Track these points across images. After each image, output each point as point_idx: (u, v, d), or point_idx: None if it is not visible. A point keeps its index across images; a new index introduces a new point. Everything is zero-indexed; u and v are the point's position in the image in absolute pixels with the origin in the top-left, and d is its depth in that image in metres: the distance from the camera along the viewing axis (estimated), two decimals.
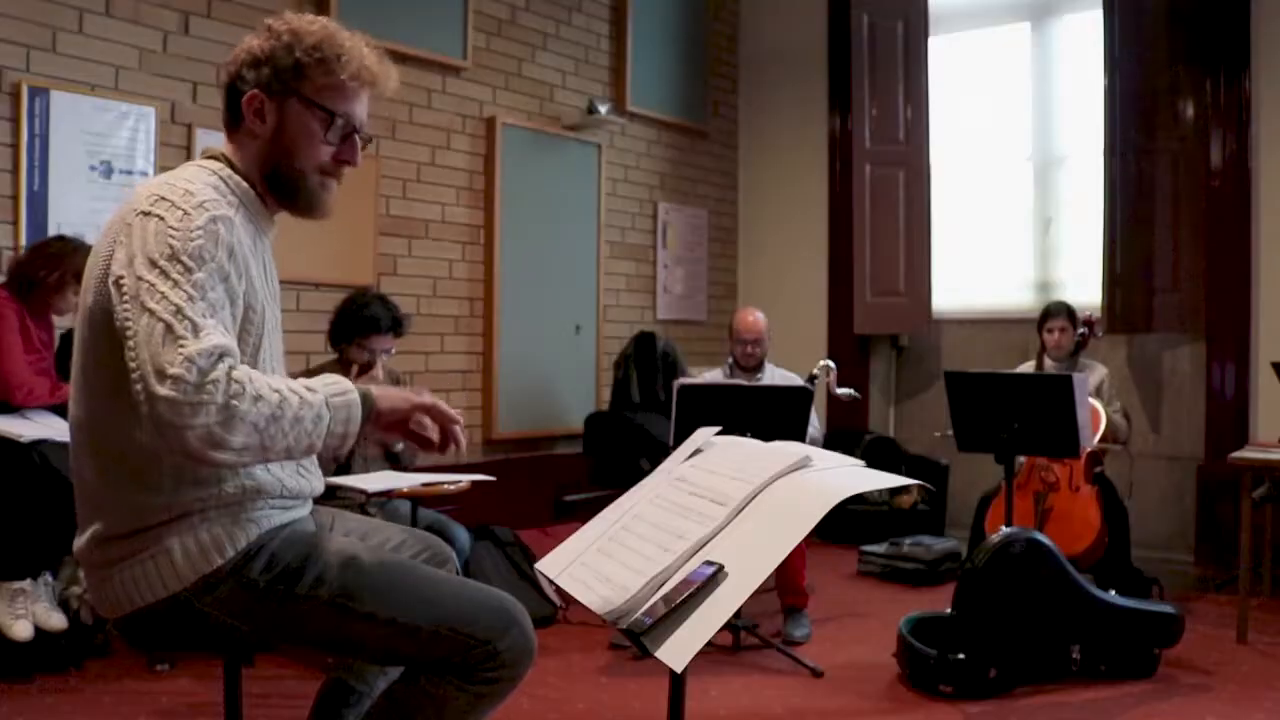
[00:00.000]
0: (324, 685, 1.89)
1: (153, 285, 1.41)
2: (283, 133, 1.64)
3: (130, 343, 1.40)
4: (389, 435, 1.64)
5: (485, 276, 5.32)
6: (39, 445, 3.14)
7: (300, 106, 1.63)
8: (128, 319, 1.41)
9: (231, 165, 1.66)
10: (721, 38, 6.81)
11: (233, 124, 1.68)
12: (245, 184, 1.66)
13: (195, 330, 1.39)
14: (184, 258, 1.43)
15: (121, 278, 1.44)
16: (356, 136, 1.69)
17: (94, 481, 1.56)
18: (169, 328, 1.38)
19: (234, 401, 1.37)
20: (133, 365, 1.39)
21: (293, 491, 1.66)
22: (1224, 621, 3.97)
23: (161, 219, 1.46)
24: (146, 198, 1.50)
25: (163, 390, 1.35)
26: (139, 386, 1.37)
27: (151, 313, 1.39)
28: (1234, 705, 3.14)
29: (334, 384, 1.52)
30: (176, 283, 1.41)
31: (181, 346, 1.36)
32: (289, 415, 1.43)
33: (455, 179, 5.20)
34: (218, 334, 1.41)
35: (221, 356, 1.39)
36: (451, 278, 5.20)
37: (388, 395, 1.57)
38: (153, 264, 1.42)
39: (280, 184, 1.67)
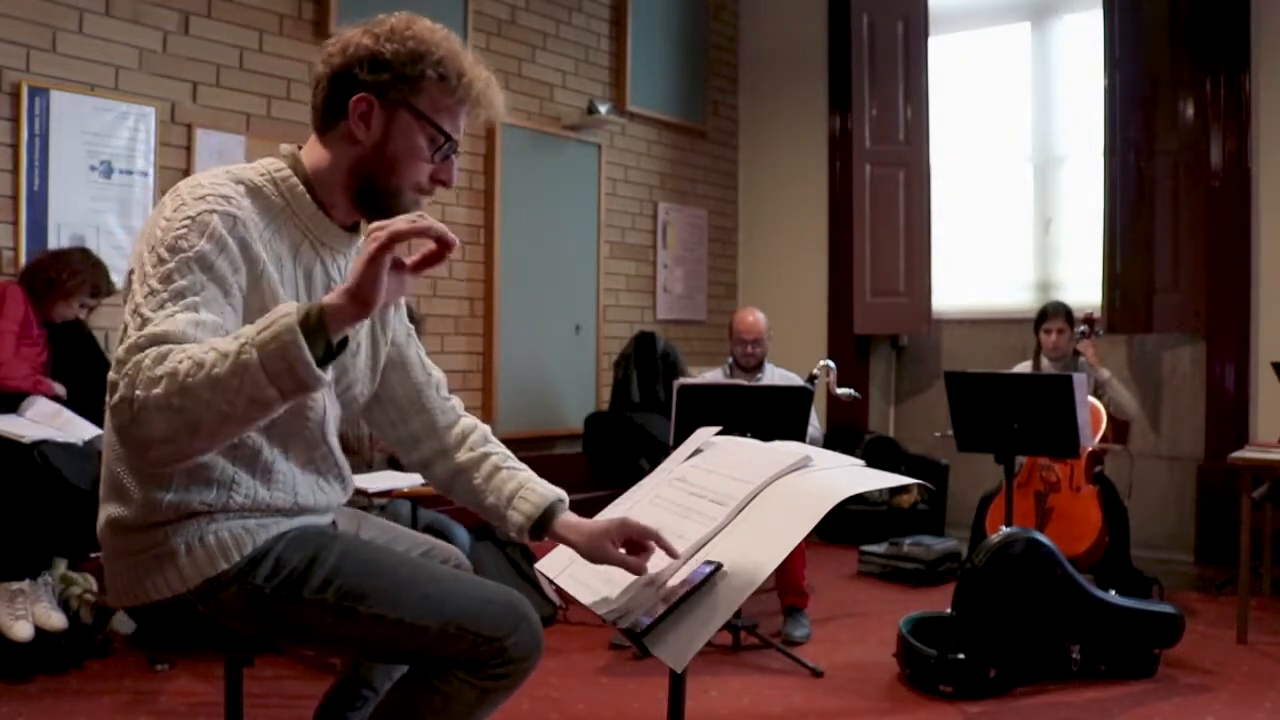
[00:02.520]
0: (330, 689, 1.88)
1: (138, 281, 1.40)
2: (388, 144, 1.54)
3: None
4: (377, 299, 1.30)
5: (485, 276, 5.32)
6: (40, 446, 3.14)
7: (411, 119, 1.54)
8: None
9: (296, 167, 1.58)
10: (721, 38, 6.81)
11: (325, 122, 1.57)
12: (301, 189, 1.56)
13: (141, 325, 1.32)
14: (161, 248, 1.39)
15: (132, 270, 1.45)
16: (454, 156, 1.63)
17: (115, 465, 1.54)
18: (125, 329, 1.34)
19: (137, 392, 1.25)
20: None
21: (305, 507, 1.63)
22: (1224, 621, 3.97)
23: (164, 207, 1.46)
24: (173, 188, 1.48)
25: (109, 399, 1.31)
26: None
27: (127, 312, 1.38)
28: (1234, 705, 3.14)
29: (266, 319, 1.27)
30: (146, 276, 1.38)
31: (122, 346, 1.31)
32: (201, 378, 1.23)
33: (455, 179, 5.19)
34: (161, 323, 1.31)
35: (146, 346, 1.28)
36: (451, 278, 5.20)
37: (345, 283, 1.31)
38: (142, 255, 1.42)
39: (372, 197, 1.57)
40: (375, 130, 1.54)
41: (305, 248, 1.58)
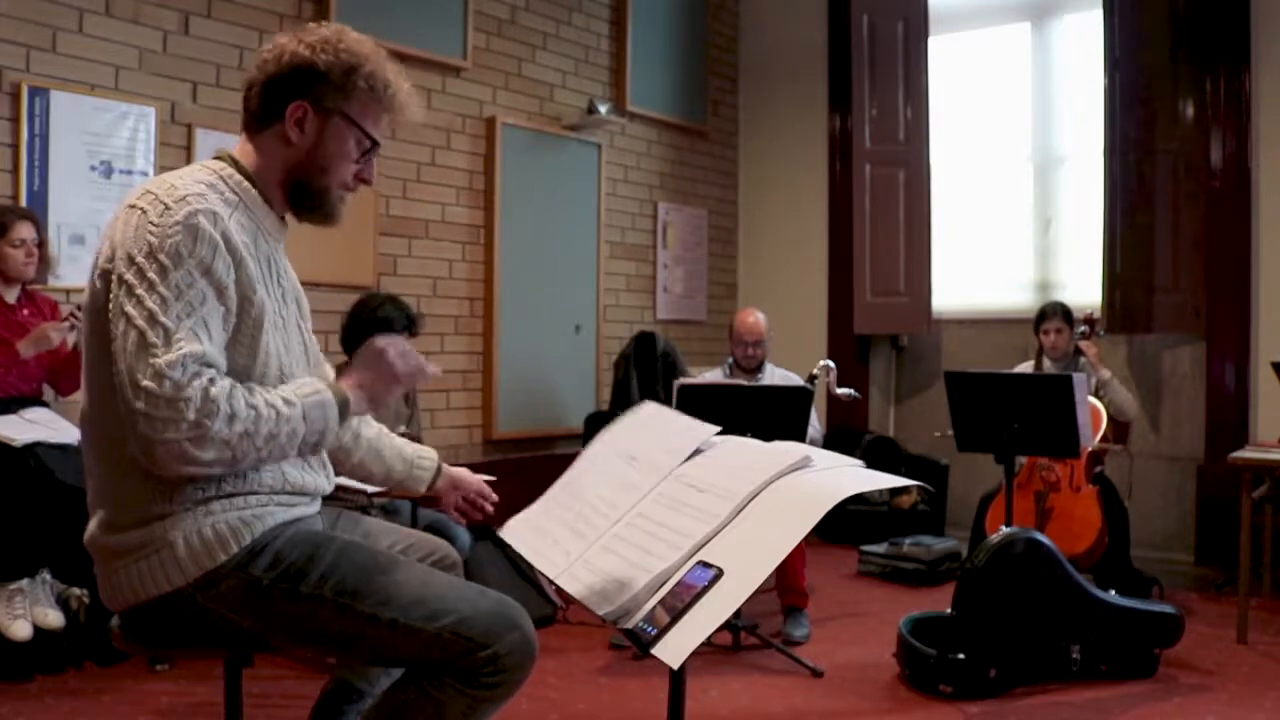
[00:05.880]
0: (328, 684, 1.89)
1: (131, 287, 1.44)
2: (320, 147, 1.66)
3: (114, 348, 1.45)
4: (385, 401, 1.69)
5: (485, 276, 5.32)
6: (33, 448, 3.14)
7: (343, 125, 1.66)
8: (111, 322, 1.46)
9: (237, 166, 1.67)
10: (721, 38, 6.81)
11: (257, 123, 1.68)
12: (247, 184, 1.66)
13: (168, 337, 1.42)
14: (161, 255, 1.46)
15: (108, 273, 1.49)
16: (372, 157, 1.73)
17: (99, 471, 1.59)
18: (142, 335, 1.42)
19: (206, 420, 1.41)
20: (117, 377, 1.44)
21: (296, 487, 1.66)
22: (1224, 621, 3.97)
23: (144, 212, 1.50)
24: (137, 193, 1.54)
25: (137, 404, 1.40)
26: (122, 397, 1.43)
27: (129, 319, 1.43)
28: (1234, 705, 3.14)
29: (310, 391, 1.56)
30: (152, 284, 1.44)
31: (153, 357, 1.40)
32: (263, 431, 1.48)
33: (455, 179, 5.19)
34: (192, 340, 1.43)
35: (197, 368, 1.42)
36: (451, 278, 5.19)
37: (361, 380, 1.65)
38: (131, 260, 1.46)
39: (304, 195, 1.69)
40: (309, 135, 1.65)
41: (260, 238, 1.66)
